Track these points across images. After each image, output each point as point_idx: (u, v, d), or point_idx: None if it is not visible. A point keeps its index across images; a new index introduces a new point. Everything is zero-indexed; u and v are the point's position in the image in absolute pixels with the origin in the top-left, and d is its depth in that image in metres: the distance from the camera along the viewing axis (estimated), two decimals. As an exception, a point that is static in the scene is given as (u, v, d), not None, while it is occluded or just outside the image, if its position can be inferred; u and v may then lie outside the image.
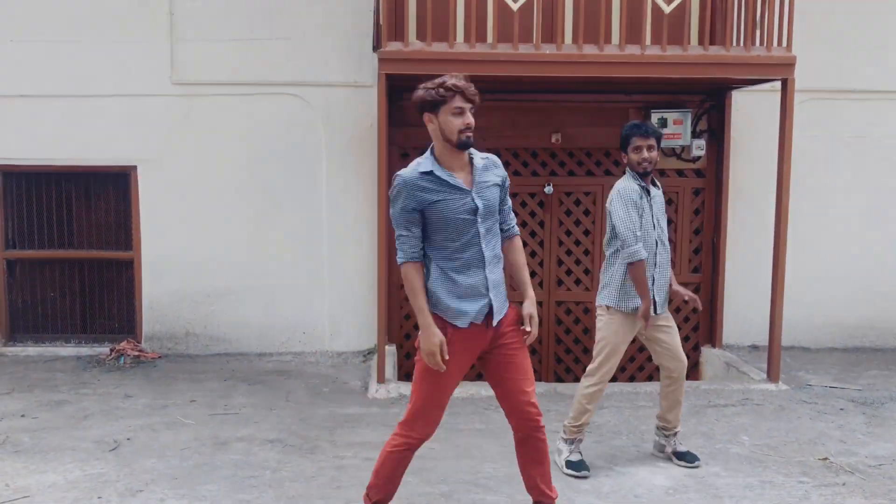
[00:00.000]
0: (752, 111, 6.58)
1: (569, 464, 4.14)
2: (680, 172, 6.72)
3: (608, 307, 4.13)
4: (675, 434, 4.32)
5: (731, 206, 6.65)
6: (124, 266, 6.68)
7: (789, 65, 5.52)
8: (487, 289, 3.10)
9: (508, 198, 3.31)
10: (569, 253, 6.69)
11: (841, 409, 5.25)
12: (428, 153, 3.14)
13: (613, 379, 6.63)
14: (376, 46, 5.85)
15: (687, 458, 4.25)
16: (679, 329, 6.69)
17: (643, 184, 4.09)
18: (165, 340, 6.63)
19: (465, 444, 4.55)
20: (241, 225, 6.57)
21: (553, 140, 6.59)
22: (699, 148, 6.59)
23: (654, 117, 6.44)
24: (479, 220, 3.09)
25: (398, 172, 3.13)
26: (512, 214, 3.33)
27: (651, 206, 4.10)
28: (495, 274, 3.14)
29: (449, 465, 4.24)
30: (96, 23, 6.40)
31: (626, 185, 4.08)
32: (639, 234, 4.01)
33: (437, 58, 5.37)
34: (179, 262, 6.57)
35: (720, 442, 4.63)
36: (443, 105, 3.04)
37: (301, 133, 6.52)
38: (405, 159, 6.52)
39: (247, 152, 6.52)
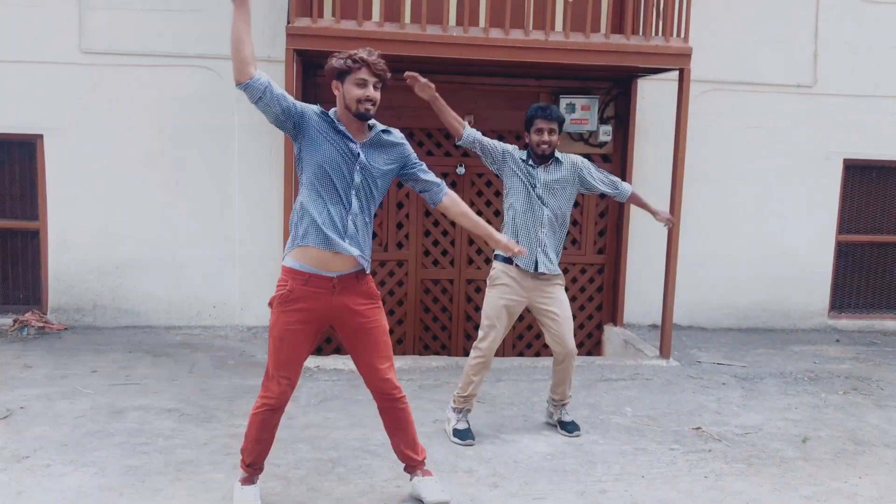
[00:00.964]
0: (656, 99, 6.84)
1: (455, 432, 4.31)
2: (587, 157, 6.92)
3: (492, 271, 4.33)
4: (564, 405, 4.53)
5: (635, 190, 6.89)
6: (30, 236, 6.58)
7: (685, 55, 5.76)
8: (345, 229, 3.18)
9: (420, 166, 3.39)
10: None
11: (723, 384, 5.56)
12: (331, 112, 3.23)
13: (520, 354, 6.89)
14: (290, 22, 5.88)
15: (568, 427, 4.47)
16: (583, 308, 7.03)
17: (526, 159, 4.28)
18: (72, 312, 6.57)
19: (360, 415, 4.67)
20: (151, 197, 6.54)
21: (467, 121, 6.71)
22: (606, 133, 6.82)
23: (563, 102, 6.63)
24: (359, 168, 3.19)
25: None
26: (431, 175, 3.40)
27: (535, 175, 4.25)
28: (357, 224, 3.22)
29: (341, 434, 4.37)
30: (1, -14, 6.26)
31: (508, 145, 4.35)
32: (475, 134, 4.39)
33: (345, 35, 5.44)
34: (87, 233, 6.50)
35: (604, 413, 4.87)
36: (348, 75, 3.15)
37: (213, 107, 6.51)
38: (318, 136, 6.58)
39: (157, 124, 6.48)
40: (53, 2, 6.29)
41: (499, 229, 3.88)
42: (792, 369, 5.99)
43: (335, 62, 3.20)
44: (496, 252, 4.32)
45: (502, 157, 4.32)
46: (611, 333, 7.00)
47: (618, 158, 6.94)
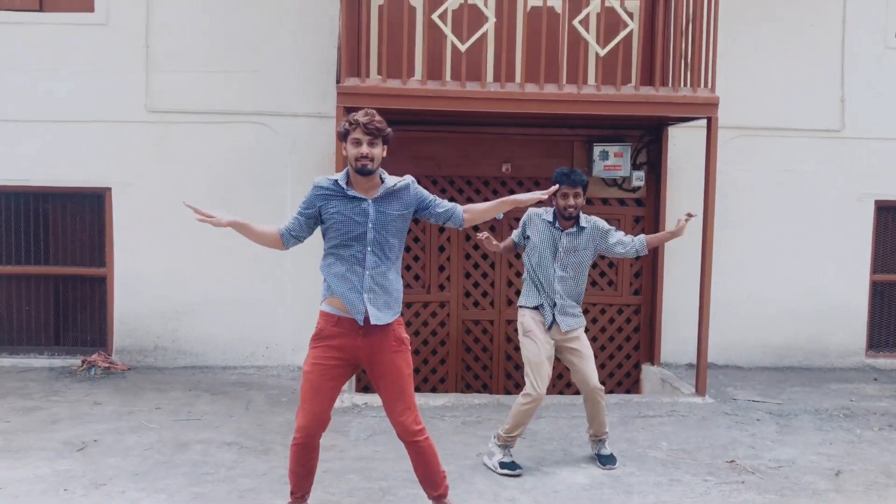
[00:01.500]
0: (687, 145, 7.11)
1: (502, 465, 4.56)
2: (621, 201, 7.23)
3: (520, 320, 4.69)
4: (602, 440, 4.75)
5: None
6: (97, 282, 7.06)
7: (713, 104, 6.05)
8: (362, 289, 3.51)
9: (437, 200, 3.69)
10: (518, 274, 7.15)
11: (757, 420, 5.71)
12: (344, 171, 3.61)
13: (559, 393, 7.09)
14: (339, 80, 6.32)
15: (603, 460, 4.69)
16: (621, 348, 7.24)
17: (553, 221, 4.61)
18: (135, 353, 6.99)
19: (408, 447, 4.93)
20: (210, 245, 6.96)
21: (504, 169, 7.08)
22: (639, 179, 7.10)
23: (597, 150, 6.95)
24: (371, 226, 3.52)
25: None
26: (445, 206, 3.69)
27: (560, 238, 4.58)
28: (376, 279, 3.54)
29: (389, 465, 4.64)
30: (76, 53, 6.84)
31: (533, 209, 4.71)
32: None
33: (391, 93, 5.85)
34: (150, 280, 6.95)
35: (641, 447, 5.07)
36: (347, 136, 3.52)
37: (267, 159, 6.97)
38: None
39: (216, 176, 6.95)
40: (123, 66, 6.85)
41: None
42: (827, 406, 6.11)
43: (338, 127, 3.60)
44: (520, 301, 4.73)
45: (523, 234, 4.75)
46: (648, 372, 7.18)
47: (651, 202, 7.20)
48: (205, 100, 6.90)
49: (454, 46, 5.98)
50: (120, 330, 7.00)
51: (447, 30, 5.95)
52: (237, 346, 7.04)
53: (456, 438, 5.19)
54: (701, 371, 6.27)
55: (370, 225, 3.53)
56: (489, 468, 4.59)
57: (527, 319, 4.63)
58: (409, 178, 3.67)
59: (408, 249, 6.97)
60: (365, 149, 3.47)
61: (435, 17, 5.93)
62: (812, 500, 4.23)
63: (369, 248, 3.54)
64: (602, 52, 5.98)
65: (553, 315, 4.59)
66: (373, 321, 3.51)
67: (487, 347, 7.19)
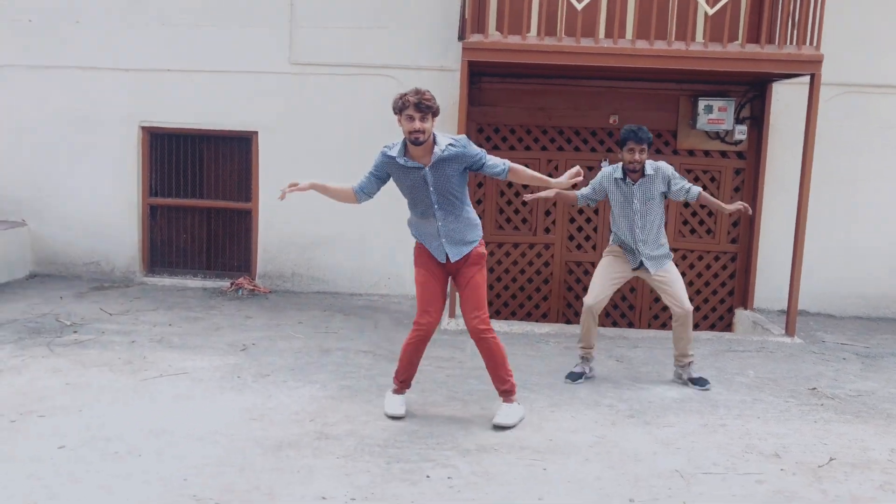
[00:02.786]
0: (790, 101, 7.40)
1: (568, 374, 5.32)
2: (723, 154, 7.61)
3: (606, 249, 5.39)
4: (689, 364, 5.28)
5: (767, 185, 7.51)
6: (244, 215, 8.02)
7: (817, 62, 6.35)
8: (439, 235, 4.29)
9: (485, 158, 4.25)
10: (620, 221, 7.68)
11: (843, 359, 6.13)
12: (401, 141, 4.25)
13: (655, 326, 7.60)
14: (461, 37, 6.93)
15: (699, 382, 5.23)
16: (716, 293, 7.69)
17: (623, 177, 5.09)
18: (275, 278, 7.96)
19: (518, 364, 5.63)
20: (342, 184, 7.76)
21: (611, 121, 7.57)
22: (741, 133, 7.46)
23: (702, 104, 7.33)
24: (430, 182, 4.19)
25: (384, 146, 4.34)
26: (494, 162, 4.27)
27: (632, 191, 5.07)
28: (448, 226, 4.28)
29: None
30: (228, 11, 7.70)
31: (606, 168, 5.25)
32: (584, 192, 5.33)
33: (511, 48, 6.42)
34: (289, 214, 7.85)
35: (729, 374, 5.60)
36: (402, 112, 4.14)
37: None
38: (480, 133, 7.63)
39: (348, 124, 7.73)
40: (268, 22, 7.67)
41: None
42: (914, 351, 6.45)
43: (394, 102, 4.20)
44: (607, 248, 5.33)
45: (602, 191, 5.23)
46: (741, 316, 7.62)
47: (752, 156, 7.55)
48: (340, 54, 7.66)
49: (570, 4, 6.49)
50: (262, 257, 7.96)
51: (564, -11, 6.46)
52: (363, 275, 7.90)
53: (559, 359, 5.85)
54: (791, 313, 6.68)
55: (431, 189, 4.21)
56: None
57: (611, 246, 5.29)
58: (461, 140, 4.21)
59: (517, 194, 7.60)
60: (417, 124, 4.08)
61: (553, -23, 6.43)
62: (886, 420, 4.69)
63: (436, 206, 4.24)
64: (711, 11, 6.36)
65: (640, 261, 5.13)
66: (452, 259, 4.31)
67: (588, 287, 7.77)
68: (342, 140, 7.76)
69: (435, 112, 4.15)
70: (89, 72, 7.88)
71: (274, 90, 7.76)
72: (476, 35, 6.55)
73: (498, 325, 6.71)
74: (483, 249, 4.42)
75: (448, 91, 7.51)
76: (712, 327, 7.79)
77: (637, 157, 4.99)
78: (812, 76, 6.43)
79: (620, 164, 5.14)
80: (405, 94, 4.13)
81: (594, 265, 7.73)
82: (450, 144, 4.19)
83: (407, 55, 7.63)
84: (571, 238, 7.77)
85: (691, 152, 7.62)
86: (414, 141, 4.14)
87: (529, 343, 6.31)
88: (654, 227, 5.13)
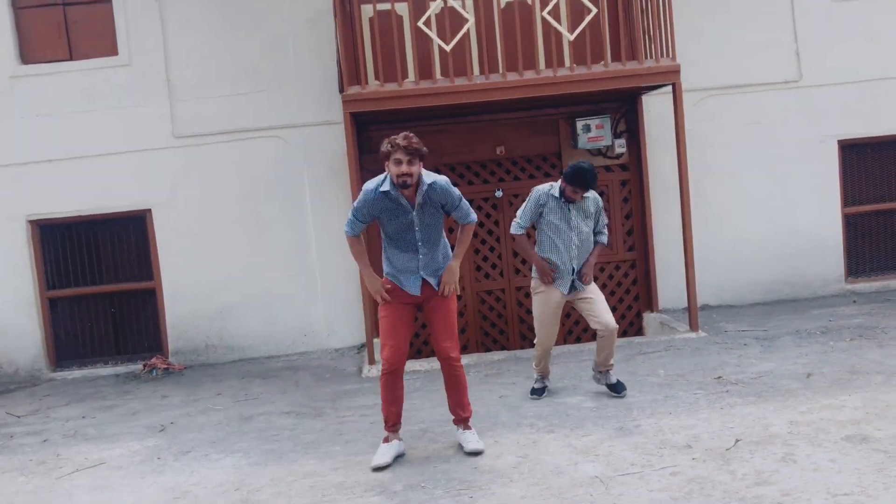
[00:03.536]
0: (661, 110, 7.82)
1: (531, 390, 5.54)
2: (607, 168, 7.97)
3: (532, 282, 5.38)
4: (608, 372, 5.43)
5: (652, 191, 7.91)
6: (148, 294, 7.90)
7: (675, 71, 6.78)
8: (419, 268, 4.41)
9: (456, 202, 4.43)
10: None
11: (744, 345, 6.46)
12: (386, 178, 4.34)
13: (569, 341, 7.84)
14: (341, 89, 7.09)
15: (616, 388, 5.36)
16: (622, 300, 7.98)
17: (560, 196, 5.15)
18: (188, 354, 7.83)
19: (439, 400, 5.65)
20: (242, 250, 7.79)
21: (498, 152, 7.84)
22: (620, 146, 7.85)
23: (580, 124, 7.69)
24: (416, 223, 4.35)
25: (365, 184, 4.41)
26: (464, 212, 4.47)
27: (569, 210, 5.17)
28: (427, 258, 4.40)
29: (426, 413, 5.42)
30: (105, 93, 7.67)
31: (538, 187, 5.25)
32: (520, 221, 5.26)
33: (390, 95, 6.62)
34: (194, 287, 7.77)
35: (641, 376, 5.83)
36: (390, 156, 4.27)
37: (285, 168, 7.77)
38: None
39: (241, 188, 7.76)
40: (148, 100, 7.67)
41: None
42: (808, 328, 6.85)
43: (382, 147, 4.33)
44: (534, 274, 5.32)
45: (539, 212, 5.22)
46: (649, 319, 7.93)
47: (634, 166, 7.95)
48: (224, 121, 7.71)
49: (440, 47, 6.75)
50: (173, 334, 7.83)
51: (432, 34, 6.71)
52: (278, 336, 7.86)
53: (481, 387, 5.96)
54: (692, 309, 7.02)
55: (417, 228, 4.36)
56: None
57: (536, 283, 5.30)
58: (441, 180, 4.37)
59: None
60: (405, 167, 4.21)
61: (420, 23, 6.69)
62: (784, 396, 4.98)
63: (420, 243, 4.39)
64: (571, 37, 6.73)
65: (572, 282, 5.23)
66: (433, 286, 4.43)
67: (502, 314, 7.96)
68: (238, 205, 7.77)
69: (422, 156, 4.28)
70: (-34, 172, 7.67)
71: (162, 165, 7.72)
72: (354, 87, 6.72)
73: (419, 364, 6.80)
74: None
75: (337, 143, 7.64)
76: (624, 333, 8.06)
77: (576, 196, 5.11)
78: (673, 85, 6.85)
79: (556, 184, 5.21)
80: (393, 139, 4.26)
81: (504, 291, 7.93)
82: (433, 182, 4.33)
83: (290, 114, 7.74)
84: (479, 268, 7.95)
85: (578, 171, 7.94)
86: (402, 184, 4.24)
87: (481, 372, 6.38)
88: (586, 245, 5.26)
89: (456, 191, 4.45)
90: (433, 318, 4.48)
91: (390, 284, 4.47)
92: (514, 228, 5.32)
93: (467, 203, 4.53)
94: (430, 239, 4.44)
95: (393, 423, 4.55)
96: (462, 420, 4.61)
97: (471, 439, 4.55)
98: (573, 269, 5.23)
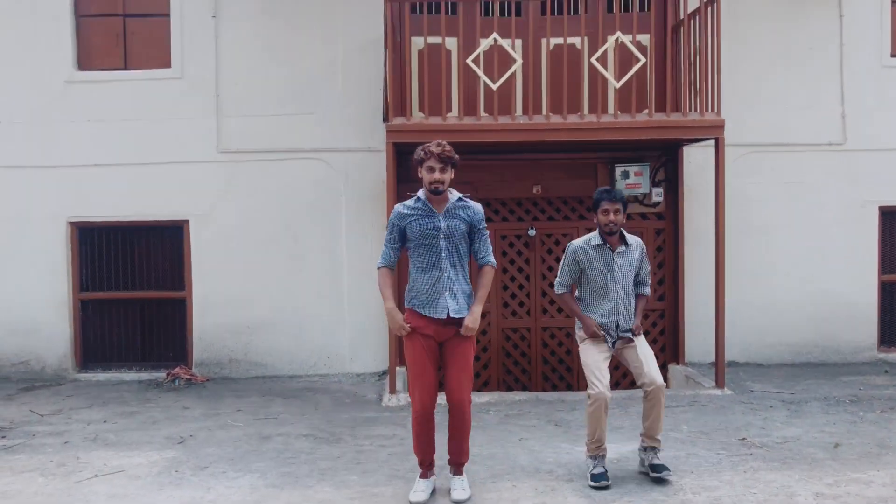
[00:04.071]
0: (701, 162, 7.82)
1: (592, 476, 4.64)
2: (643, 216, 7.95)
3: (577, 332, 4.91)
4: (655, 450, 4.75)
5: (686, 242, 7.86)
6: (178, 304, 7.98)
7: (719, 126, 6.78)
8: (443, 288, 4.33)
9: (483, 234, 4.48)
10: (552, 285, 7.89)
11: (770, 407, 6.37)
12: (420, 192, 4.44)
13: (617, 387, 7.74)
14: (385, 118, 7.18)
15: (657, 468, 4.67)
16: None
17: (605, 243, 4.73)
18: (212, 366, 7.88)
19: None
20: (275, 268, 7.86)
21: (535, 191, 7.87)
22: (658, 195, 7.83)
23: (618, 170, 7.70)
24: (442, 230, 4.34)
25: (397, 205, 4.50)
26: (485, 248, 4.50)
27: (613, 258, 4.73)
28: (453, 279, 4.35)
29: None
30: (155, 104, 7.83)
31: (573, 243, 4.86)
32: (560, 279, 4.90)
33: (432, 129, 6.68)
34: (224, 300, 7.85)
35: (664, 431, 5.64)
36: (423, 163, 4.34)
37: (325, 190, 7.85)
38: (411, 210, 7.83)
39: (279, 208, 7.85)
40: (196, 113, 7.81)
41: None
42: (837, 394, 6.74)
43: (415, 154, 4.41)
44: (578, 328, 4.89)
45: (578, 266, 4.80)
46: (674, 371, 7.85)
47: (669, 216, 7.92)
48: (268, 140, 7.83)
49: (486, 85, 6.81)
50: (198, 346, 7.90)
51: (480, 71, 6.79)
52: (302, 356, 7.89)
53: (500, 427, 5.93)
54: (719, 367, 6.94)
55: (441, 236, 4.34)
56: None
57: (581, 333, 4.81)
58: (476, 206, 4.44)
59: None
60: (437, 175, 4.28)
61: (469, 61, 6.77)
62: (810, 465, 4.89)
63: (443, 254, 4.35)
64: (618, 85, 6.76)
65: (617, 335, 4.74)
66: (452, 313, 4.33)
67: (526, 353, 7.93)
68: (275, 224, 7.86)
69: (454, 164, 4.34)
70: (14, 170, 7.86)
71: (204, 178, 7.85)
72: (399, 118, 6.80)
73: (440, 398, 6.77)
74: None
75: (376, 169, 7.71)
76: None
77: (612, 217, 4.65)
78: (716, 139, 6.85)
79: (593, 233, 4.82)
80: (427, 146, 4.34)
81: (529, 331, 7.91)
82: (461, 198, 4.42)
83: (335, 138, 7.84)
84: (506, 305, 7.94)
85: (613, 216, 7.94)
86: (434, 191, 4.31)
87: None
88: (631, 299, 4.82)
89: (483, 220, 4.49)
90: (450, 361, 4.42)
91: (411, 320, 4.42)
92: (557, 288, 4.95)
93: (489, 242, 4.54)
94: (455, 254, 4.39)
95: (429, 462, 4.55)
96: (459, 464, 4.57)
97: (458, 486, 4.49)
98: (617, 325, 4.75)
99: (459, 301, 4.39)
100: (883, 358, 8.06)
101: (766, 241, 8.02)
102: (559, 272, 4.97)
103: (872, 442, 5.38)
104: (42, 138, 7.84)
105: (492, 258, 4.52)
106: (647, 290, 4.98)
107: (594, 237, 4.80)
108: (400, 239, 4.45)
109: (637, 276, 4.90)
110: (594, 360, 4.70)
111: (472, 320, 4.37)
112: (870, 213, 8.04)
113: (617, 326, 4.76)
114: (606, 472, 4.67)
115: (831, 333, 8.06)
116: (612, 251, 4.75)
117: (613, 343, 4.78)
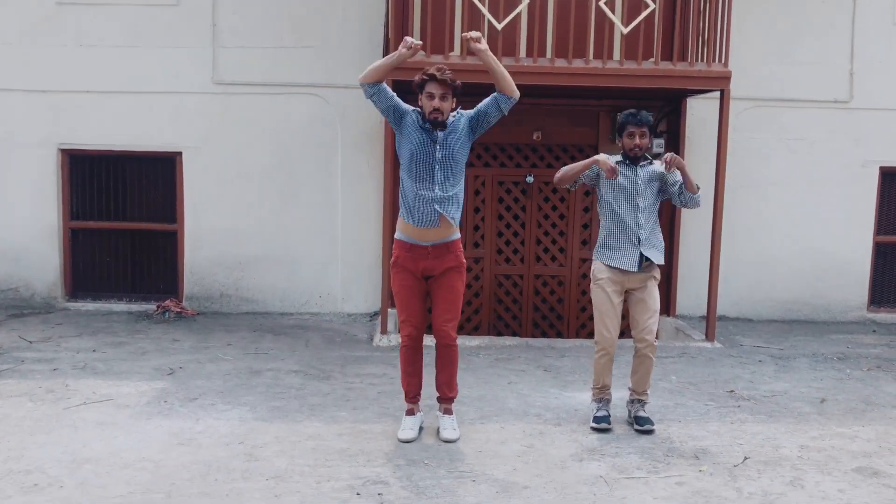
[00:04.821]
0: (704, 115, 7.71)
1: (594, 418, 4.69)
2: (642, 167, 7.86)
3: (592, 262, 4.74)
4: (642, 403, 4.73)
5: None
6: (169, 236, 7.91)
7: (725, 78, 6.66)
8: (434, 200, 4.20)
9: (477, 108, 4.31)
10: (546, 234, 7.86)
11: (759, 361, 6.40)
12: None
13: (582, 335, 7.77)
14: (386, 55, 7.00)
15: (641, 420, 4.67)
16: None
17: (625, 160, 4.58)
18: (203, 300, 7.85)
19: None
20: (269, 204, 7.77)
21: (534, 137, 7.76)
22: (659, 146, 7.72)
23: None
24: (439, 144, 4.21)
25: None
26: (485, 102, 4.31)
27: (637, 172, 4.55)
28: (445, 192, 4.21)
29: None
30: (151, 31, 7.62)
31: (602, 157, 4.55)
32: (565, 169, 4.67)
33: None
34: (216, 234, 7.78)
35: (653, 380, 5.69)
36: (423, 88, 4.20)
37: (321, 127, 7.72)
38: (408, 151, 7.72)
39: (274, 143, 7.72)
40: (192, 42, 7.62)
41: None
42: (824, 351, 6.78)
43: (415, 79, 4.28)
44: (596, 255, 4.70)
45: (595, 176, 4.64)
46: (664, 323, 7.87)
47: (670, 168, 7.83)
48: (265, 73, 7.65)
49: (491, 24, 6.64)
50: (189, 279, 7.85)
51: (484, 9, 6.61)
52: (293, 294, 7.86)
53: (490, 370, 5.95)
54: (711, 320, 6.96)
55: (438, 146, 4.21)
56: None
57: (597, 269, 4.66)
58: (460, 114, 4.31)
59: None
60: (437, 102, 4.15)
61: (474, -2, 6.58)
62: (796, 419, 4.93)
63: (437, 166, 4.21)
64: (625, 31, 6.61)
65: (640, 254, 4.55)
66: (439, 218, 4.22)
67: (517, 299, 7.93)
68: (269, 160, 7.74)
69: (456, 90, 4.17)
70: (3, 93, 7.67)
71: (198, 110, 7.69)
72: (400, 54, 6.62)
73: (428, 339, 6.77)
74: (464, 259, 4.43)
75: (374, 109, 7.52)
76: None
77: (638, 141, 4.50)
78: (722, 91, 6.73)
79: (620, 154, 4.66)
80: (426, 69, 4.16)
81: (522, 277, 7.89)
82: (459, 115, 4.28)
83: (333, 74, 7.67)
84: (500, 251, 7.90)
85: (612, 166, 7.85)
86: (433, 121, 4.16)
87: (460, 356, 6.36)
88: (655, 217, 4.65)
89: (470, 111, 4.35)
90: (438, 295, 4.38)
91: (398, 252, 4.35)
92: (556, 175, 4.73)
93: None
94: (450, 168, 4.23)
95: (414, 394, 4.56)
96: (447, 399, 4.57)
97: (448, 426, 4.49)
98: (639, 240, 4.54)
99: (448, 214, 4.25)
100: (872, 318, 8.11)
101: (763, 198, 7.97)
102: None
103: (858, 398, 5.43)
104: (32, 61, 7.64)
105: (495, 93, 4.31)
106: (695, 190, 4.61)
107: (617, 157, 4.63)
108: (398, 111, 4.25)
109: (669, 187, 4.61)
110: (605, 307, 4.61)
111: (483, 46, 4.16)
112: (870, 173, 7.99)
113: (639, 242, 4.53)
114: (609, 416, 4.70)
115: (822, 292, 8.08)
116: (636, 165, 4.59)
117: (637, 264, 4.55)
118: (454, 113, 4.34)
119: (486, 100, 4.34)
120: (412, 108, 4.33)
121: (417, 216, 4.27)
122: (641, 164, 4.63)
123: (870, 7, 7.83)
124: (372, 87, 4.23)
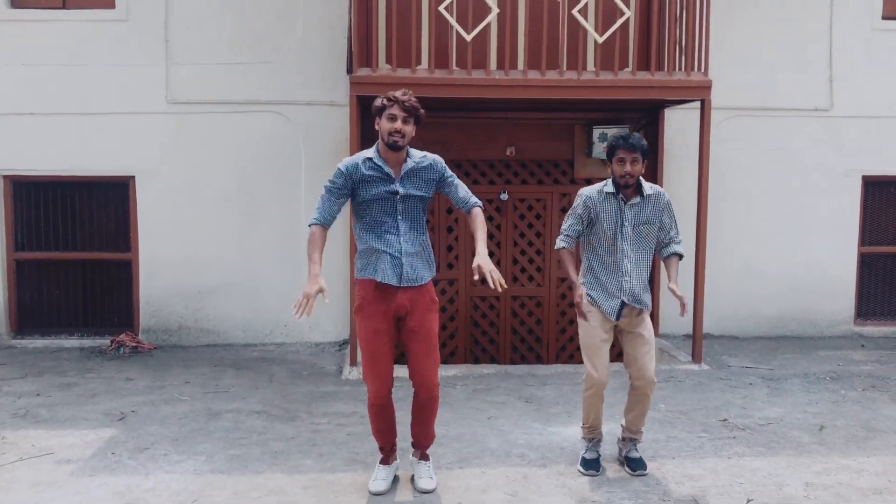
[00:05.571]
0: (682, 126, 7.44)
1: (582, 460, 4.36)
2: (620, 181, 7.55)
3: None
4: (634, 442, 4.39)
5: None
6: (123, 266, 7.43)
7: (706, 87, 6.37)
8: (400, 253, 3.82)
9: (455, 182, 3.96)
10: (523, 252, 7.51)
11: (749, 384, 6.09)
12: (374, 146, 3.92)
13: (562, 358, 7.41)
14: (349, 70, 6.64)
15: (634, 464, 4.32)
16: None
17: (618, 192, 4.15)
18: (160, 333, 7.37)
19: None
20: (229, 228, 7.33)
21: (508, 152, 7.41)
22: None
23: (596, 132, 7.27)
24: (399, 193, 3.83)
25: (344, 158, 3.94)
26: (464, 192, 3.96)
27: (624, 211, 4.13)
28: (409, 243, 3.84)
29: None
30: (100, 48, 7.17)
31: (584, 190, 4.25)
32: (567, 231, 4.29)
33: (401, 81, 6.15)
34: (173, 262, 7.31)
35: (640, 409, 5.43)
36: (383, 111, 3.82)
37: (282, 146, 7.31)
38: (375, 170, 7.33)
39: (234, 163, 7.29)
40: (144, 59, 7.17)
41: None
42: (816, 371, 6.49)
43: (376, 101, 3.88)
44: (581, 277, 4.30)
45: (588, 217, 4.21)
46: (647, 343, 7.54)
47: (648, 181, 7.52)
48: (222, 91, 7.23)
49: (459, 36, 6.30)
50: (145, 311, 7.37)
51: (453, 20, 6.27)
52: (257, 324, 7.42)
53: (468, 404, 5.57)
54: (697, 341, 6.64)
55: (398, 201, 3.82)
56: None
57: (586, 306, 4.21)
58: (433, 157, 3.93)
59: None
60: (399, 124, 3.76)
61: (441, 8, 6.24)
62: (796, 450, 4.61)
63: (400, 217, 3.83)
64: (600, 40, 6.30)
65: (621, 302, 4.15)
66: (404, 281, 3.81)
67: (494, 322, 7.56)
68: (228, 182, 7.32)
69: (419, 118, 3.83)
70: (-60, 117, 7.18)
71: (151, 131, 7.24)
72: (364, 69, 6.28)
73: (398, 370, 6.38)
74: (436, 296, 4.00)
75: (339, 126, 7.20)
76: (619, 355, 7.67)
77: (629, 168, 4.08)
78: (702, 101, 6.45)
79: (607, 181, 4.24)
80: (390, 93, 3.81)
81: (499, 300, 7.53)
82: (423, 156, 3.92)
83: (294, 90, 7.28)
84: (514, 279, 7.52)
85: (588, 181, 7.51)
86: (392, 144, 3.78)
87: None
88: (644, 262, 4.21)
89: (447, 167, 3.99)
90: (413, 341, 3.89)
91: (363, 294, 3.89)
92: (557, 242, 4.29)
93: (464, 185, 4.03)
94: (412, 219, 3.87)
95: (390, 447, 4.15)
96: (424, 448, 4.17)
97: (424, 474, 4.11)
98: (626, 290, 4.16)
99: (415, 270, 3.86)
100: (859, 332, 7.85)
101: (746, 210, 7.71)
102: (565, 224, 4.29)
103: (858, 424, 5.13)
104: (-29, 83, 7.15)
105: (476, 199, 4.00)
106: (679, 249, 4.27)
107: (608, 184, 4.20)
108: (345, 190, 3.87)
109: (662, 232, 4.26)
110: (594, 343, 4.20)
111: (483, 260, 3.72)
112: (853, 183, 7.76)
113: (621, 290, 4.13)
114: (599, 458, 4.36)
115: (808, 306, 7.81)
116: (625, 202, 4.14)
117: (618, 314, 4.17)
118: (422, 154, 3.96)
119: (452, 197, 4.01)
120: (355, 160, 3.90)
121: (382, 272, 3.86)
122: (631, 202, 4.16)
123: (847, 13, 7.62)
124: (332, 220, 3.95)
